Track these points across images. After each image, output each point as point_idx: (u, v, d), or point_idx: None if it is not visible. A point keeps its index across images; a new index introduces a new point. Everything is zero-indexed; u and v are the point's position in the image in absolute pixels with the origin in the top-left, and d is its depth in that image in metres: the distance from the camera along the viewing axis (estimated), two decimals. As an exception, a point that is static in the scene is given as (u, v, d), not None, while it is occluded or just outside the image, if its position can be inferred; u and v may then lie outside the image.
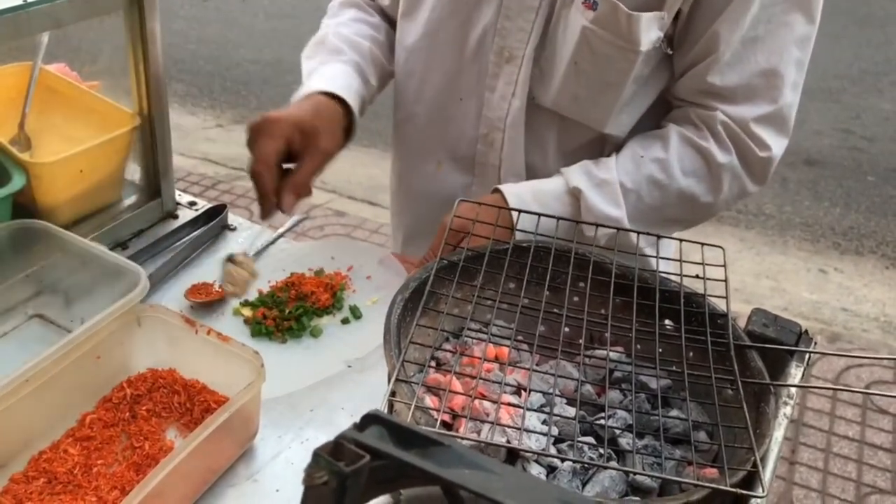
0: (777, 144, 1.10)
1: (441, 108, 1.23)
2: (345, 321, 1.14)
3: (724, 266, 0.91)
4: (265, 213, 1.09)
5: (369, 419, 0.44)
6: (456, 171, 1.26)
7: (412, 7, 1.20)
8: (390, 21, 1.33)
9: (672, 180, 1.08)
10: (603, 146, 1.16)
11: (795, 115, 1.10)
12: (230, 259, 1.17)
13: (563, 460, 0.75)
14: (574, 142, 1.15)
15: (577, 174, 1.08)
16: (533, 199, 1.07)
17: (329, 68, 1.20)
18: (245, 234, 1.35)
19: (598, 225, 0.99)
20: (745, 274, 3.34)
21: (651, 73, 1.08)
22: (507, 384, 0.83)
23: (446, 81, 1.20)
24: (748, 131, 1.07)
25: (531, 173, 1.18)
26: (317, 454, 0.40)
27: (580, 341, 0.85)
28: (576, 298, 0.92)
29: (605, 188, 1.07)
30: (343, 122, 1.14)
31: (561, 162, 1.15)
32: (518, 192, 1.07)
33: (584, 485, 0.74)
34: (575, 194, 1.07)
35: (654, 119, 1.15)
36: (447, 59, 1.19)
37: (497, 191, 1.10)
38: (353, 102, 1.15)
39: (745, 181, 1.11)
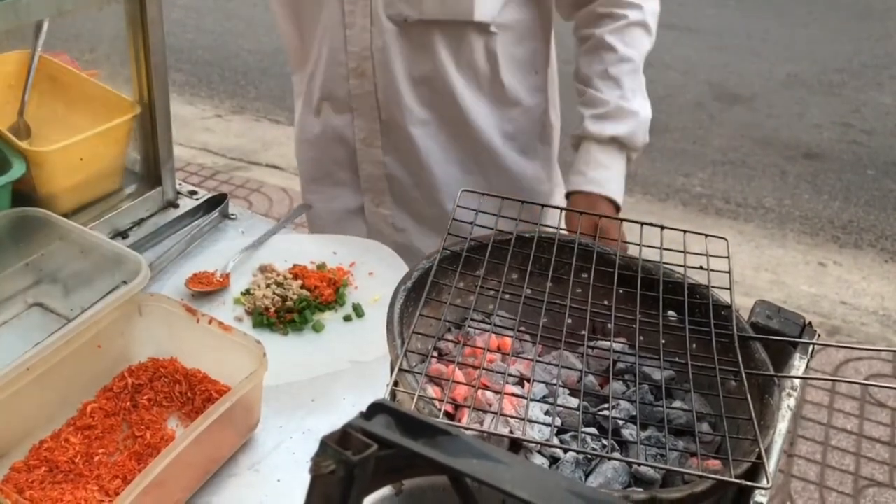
0: None
1: (307, 54, 1.34)
2: (347, 318, 1.14)
3: (728, 257, 0.91)
4: None
5: (376, 408, 0.43)
6: (335, 113, 1.36)
7: None
8: None
9: (636, 57, 1.29)
10: (479, 32, 1.27)
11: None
12: None
13: (566, 451, 0.75)
14: (455, 39, 1.26)
15: (593, 125, 1.28)
16: (596, 170, 1.27)
17: None
18: (245, 223, 1.34)
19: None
20: (744, 267, 3.34)
21: None
22: (509, 375, 0.83)
23: (309, 28, 1.31)
24: None
25: (424, 83, 1.28)
26: (324, 443, 0.39)
27: (583, 332, 0.85)
28: (579, 289, 0.92)
29: (619, 114, 1.28)
30: None
31: (452, 59, 1.27)
32: (592, 180, 1.27)
33: (587, 476, 0.74)
34: (612, 141, 1.28)
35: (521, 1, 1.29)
36: (306, 7, 1.29)
37: (575, 194, 1.29)
38: None
39: (652, 4, 1.32)
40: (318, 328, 1.11)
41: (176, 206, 1.36)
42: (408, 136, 1.31)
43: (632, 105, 1.28)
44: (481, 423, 0.77)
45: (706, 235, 0.94)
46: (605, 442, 0.76)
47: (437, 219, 1.37)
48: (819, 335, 0.88)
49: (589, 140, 1.29)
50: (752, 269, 3.38)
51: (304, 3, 1.28)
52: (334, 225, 1.45)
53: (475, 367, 0.82)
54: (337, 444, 0.39)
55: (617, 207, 1.28)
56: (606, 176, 1.27)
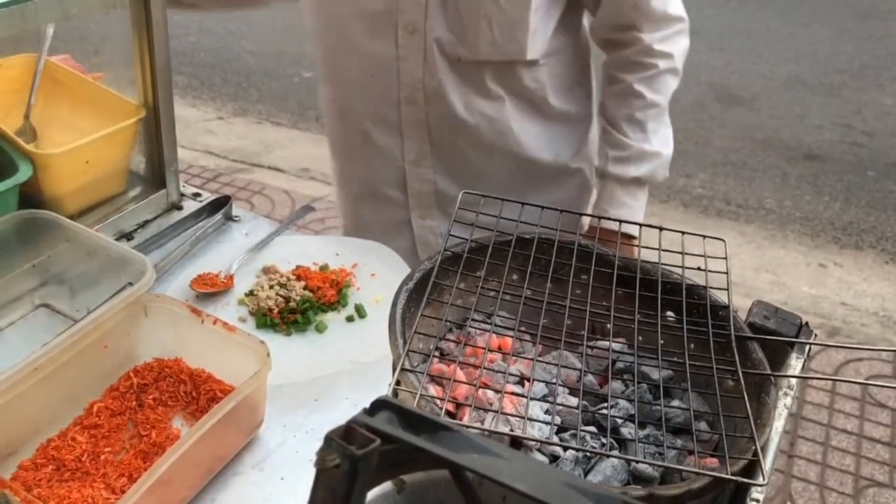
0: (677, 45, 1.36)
1: (358, 84, 1.36)
2: (349, 319, 1.15)
3: (726, 258, 0.92)
4: None
5: (379, 405, 0.45)
6: (385, 135, 1.38)
7: None
8: None
9: (663, 102, 1.34)
10: (528, 66, 1.32)
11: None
12: None
13: (565, 449, 0.76)
14: (505, 73, 1.31)
15: (617, 167, 1.35)
16: (621, 210, 1.33)
17: None
18: (249, 225, 1.35)
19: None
20: (744, 268, 3.34)
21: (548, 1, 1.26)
22: (510, 374, 0.84)
23: (357, 60, 1.33)
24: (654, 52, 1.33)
25: (475, 110, 1.32)
26: (329, 438, 0.40)
27: (583, 332, 0.86)
28: (578, 290, 0.93)
29: (641, 157, 1.34)
30: None
31: (502, 90, 1.32)
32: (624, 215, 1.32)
33: (586, 473, 0.75)
34: (638, 182, 1.34)
35: (564, 32, 1.34)
36: (354, 39, 1.31)
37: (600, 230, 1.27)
38: None
39: (682, 44, 1.36)
40: (320, 329, 1.12)
41: (180, 208, 1.37)
42: (459, 156, 1.37)
43: (653, 146, 1.33)
44: (482, 421, 0.78)
45: (704, 237, 0.95)
46: (604, 440, 0.77)
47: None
48: (816, 335, 0.89)
49: (612, 180, 1.36)
50: (752, 270, 3.39)
51: (356, 36, 1.31)
52: (380, 236, 1.45)
53: (476, 367, 0.83)
54: (341, 439, 0.41)
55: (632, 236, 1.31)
56: (627, 214, 1.35)
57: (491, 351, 0.86)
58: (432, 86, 1.29)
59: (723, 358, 0.83)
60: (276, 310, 1.12)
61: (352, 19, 1.29)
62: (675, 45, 1.34)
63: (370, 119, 1.38)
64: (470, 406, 0.77)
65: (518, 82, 1.31)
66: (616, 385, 0.86)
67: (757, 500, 0.71)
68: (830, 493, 2.31)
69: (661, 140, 1.35)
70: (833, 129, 4.68)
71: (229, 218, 1.36)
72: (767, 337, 0.87)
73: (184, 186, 1.40)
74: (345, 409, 1.01)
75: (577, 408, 0.79)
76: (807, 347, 0.88)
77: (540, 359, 0.86)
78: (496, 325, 0.87)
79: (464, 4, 1.22)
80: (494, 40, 1.24)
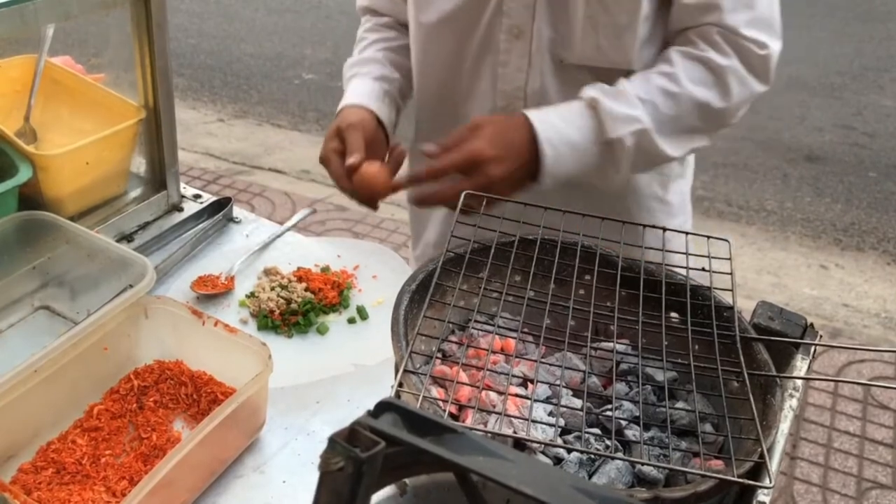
0: (773, 43, 1.16)
1: (452, 91, 1.28)
2: (351, 321, 1.14)
3: (730, 259, 0.92)
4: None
5: (383, 406, 0.44)
6: None
7: (423, 5, 1.24)
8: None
9: (682, 89, 1.12)
10: (628, 75, 1.20)
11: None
12: None
13: (569, 451, 0.76)
14: (607, 79, 1.18)
15: (590, 89, 1.14)
16: (555, 115, 1.12)
17: (349, 89, 1.27)
18: (250, 226, 1.35)
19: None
20: (746, 269, 3.34)
21: (658, 8, 1.16)
22: (513, 376, 0.83)
23: (458, 64, 1.25)
24: (742, 35, 1.13)
25: None
26: (333, 440, 0.40)
27: (586, 333, 0.86)
28: (581, 291, 0.92)
29: (620, 96, 1.12)
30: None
31: None
32: (541, 113, 1.12)
33: (590, 476, 0.75)
34: (592, 104, 1.11)
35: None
36: (457, 46, 1.24)
37: (523, 115, 1.13)
38: (374, 100, 1.24)
39: (751, 82, 1.16)
40: (322, 330, 1.12)
41: (180, 209, 1.36)
42: None
43: (639, 99, 1.11)
44: (485, 423, 0.78)
45: (708, 237, 0.95)
46: (608, 442, 0.76)
47: None
48: (821, 336, 0.89)
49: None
50: (754, 271, 3.38)
51: (452, 37, 1.25)
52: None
53: (479, 369, 0.82)
54: (345, 442, 0.40)
55: (534, 153, 1.09)
56: (554, 120, 1.10)
57: (494, 352, 0.86)
58: (534, 91, 1.22)
59: (728, 359, 0.82)
60: (277, 311, 1.12)
61: (457, 26, 1.22)
62: (765, 37, 1.13)
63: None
64: (473, 408, 0.77)
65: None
66: (620, 387, 0.85)
67: (763, 503, 0.70)
68: (833, 494, 2.31)
69: (650, 111, 1.11)
70: (834, 130, 4.68)
71: (230, 219, 1.36)
72: (773, 338, 0.86)
73: (184, 188, 1.40)
74: (347, 411, 1.00)
75: (580, 409, 0.78)
76: (812, 348, 0.87)
77: (543, 360, 0.85)
78: (499, 327, 0.87)
79: (571, 2, 1.14)
80: (599, 45, 1.17)
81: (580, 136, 1.10)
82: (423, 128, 1.38)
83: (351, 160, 1.11)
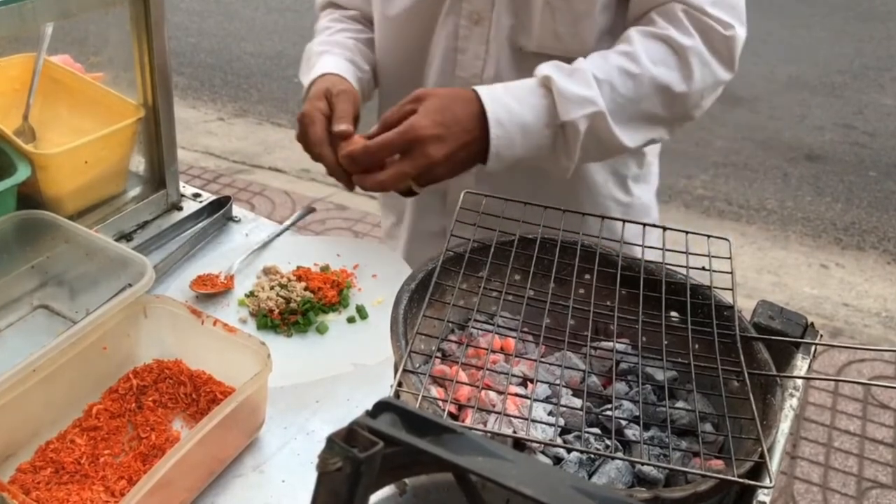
0: (738, 26, 1.11)
1: (414, 83, 1.25)
2: (350, 320, 1.14)
3: (731, 258, 0.91)
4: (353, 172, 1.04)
5: (382, 406, 0.44)
6: None
7: None
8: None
9: (642, 69, 1.07)
10: None
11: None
12: None
13: (569, 451, 0.76)
14: None
15: (545, 66, 1.09)
16: (505, 92, 1.06)
17: (322, 60, 1.22)
18: (249, 225, 1.35)
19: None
20: (746, 269, 3.34)
21: None
22: (513, 375, 0.83)
23: (420, 57, 1.24)
24: (707, 13, 1.08)
25: None
26: (331, 440, 0.40)
27: (586, 333, 0.85)
28: (581, 290, 0.92)
29: (575, 74, 1.06)
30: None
31: None
32: (491, 89, 1.07)
33: (590, 476, 0.74)
34: (546, 83, 1.07)
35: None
36: (421, 36, 1.22)
37: (473, 90, 1.07)
38: (351, 78, 1.19)
39: (715, 66, 1.11)
40: (321, 330, 1.11)
41: (180, 208, 1.36)
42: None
43: (595, 78, 1.05)
44: (485, 423, 0.78)
45: (708, 236, 0.95)
46: (608, 442, 0.76)
47: None
48: (821, 336, 0.89)
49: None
50: (754, 270, 3.38)
51: (415, 27, 1.23)
52: (412, 244, 1.40)
53: (478, 368, 0.82)
54: (344, 442, 0.40)
55: (480, 132, 1.04)
56: (505, 98, 1.05)
57: (493, 352, 0.86)
58: (490, 79, 1.19)
59: (728, 359, 0.82)
60: (276, 311, 1.12)
61: (402, 17, 1.22)
62: (730, 19, 1.08)
63: None
64: (472, 407, 0.77)
65: None
66: (620, 386, 0.85)
67: (763, 503, 0.70)
68: (833, 494, 2.30)
69: (607, 93, 1.05)
70: (834, 129, 4.67)
71: (230, 218, 1.36)
72: (773, 337, 0.86)
73: (184, 187, 1.40)
74: (346, 410, 1.00)
75: (580, 409, 0.78)
76: (812, 348, 0.87)
77: (543, 360, 0.85)
78: (498, 326, 0.87)
79: None
80: (557, 33, 1.14)
81: (532, 116, 1.05)
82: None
83: (342, 127, 1.05)
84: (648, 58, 1.07)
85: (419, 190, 1.06)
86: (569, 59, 1.11)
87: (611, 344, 0.88)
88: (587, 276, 0.91)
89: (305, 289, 1.15)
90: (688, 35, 1.08)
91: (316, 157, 1.08)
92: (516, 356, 0.87)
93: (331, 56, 1.24)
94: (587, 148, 1.07)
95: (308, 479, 0.90)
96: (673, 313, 0.89)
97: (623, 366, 0.87)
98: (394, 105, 1.22)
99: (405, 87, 1.27)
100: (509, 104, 1.05)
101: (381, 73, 1.32)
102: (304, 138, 1.08)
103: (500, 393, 0.79)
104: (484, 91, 1.05)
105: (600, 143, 1.08)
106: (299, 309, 1.12)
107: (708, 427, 0.81)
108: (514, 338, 0.86)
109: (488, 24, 1.16)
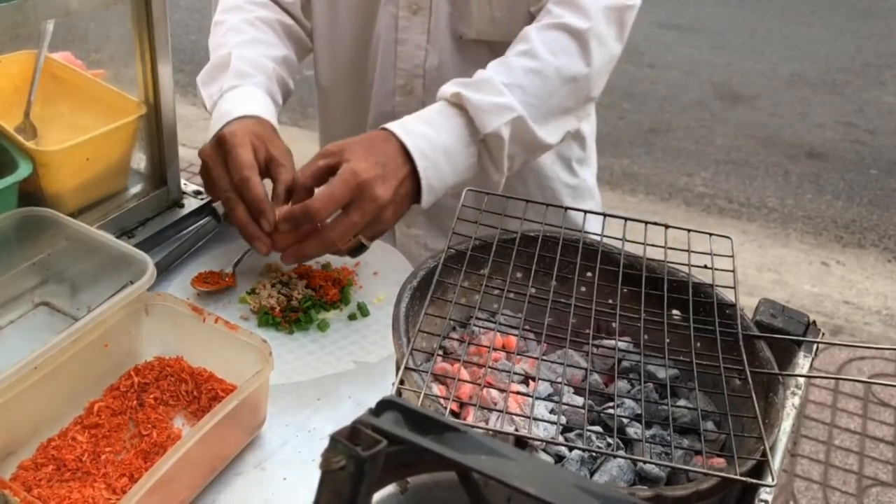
0: None
1: (357, 75, 1.26)
2: (352, 318, 1.14)
3: (733, 256, 0.91)
4: (263, 238, 1.06)
5: (385, 405, 0.44)
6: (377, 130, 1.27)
7: None
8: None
9: (544, 63, 1.07)
10: None
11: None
12: None
13: (571, 449, 0.76)
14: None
15: (449, 86, 1.08)
16: (417, 122, 1.05)
17: (241, 92, 1.20)
18: (250, 223, 1.34)
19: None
20: (747, 267, 3.34)
21: None
22: (515, 373, 0.83)
23: (363, 49, 1.24)
24: None
25: None
26: (334, 439, 0.40)
27: (588, 331, 0.85)
28: (583, 288, 0.92)
29: (483, 85, 1.06)
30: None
31: None
32: (402, 124, 1.06)
33: (592, 474, 0.74)
34: (456, 101, 1.06)
35: None
36: (362, 27, 1.23)
37: (383, 129, 1.07)
38: (273, 119, 1.19)
39: (612, 43, 1.12)
40: (323, 327, 1.11)
41: (181, 205, 1.36)
42: None
43: (504, 84, 1.05)
44: (486, 421, 0.78)
45: (710, 234, 0.95)
46: (610, 440, 0.76)
47: None
48: (823, 334, 0.89)
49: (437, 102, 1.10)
50: (755, 268, 3.38)
51: (356, 19, 1.24)
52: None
53: (480, 366, 0.82)
54: (347, 440, 0.40)
55: (410, 166, 1.03)
56: (419, 129, 1.03)
57: (495, 350, 0.86)
58: (433, 67, 1.20)
59: (730, 357, 0.82)
60: (277, 308, 1.12)
61: (342, 8, 1.23)
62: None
63: (366, 110, 1.29)
64: (474, 405, 0.77)
65: None
66: (622, 384, 0.85)
67: (765, 502, 0.70)
68: (834, 492, 2.31)
69: (518, 97, 1.05)
70: (835, 127, 4.67)
71: (230, 216, 1.35)
72: (775, 335, 0.86)
73: (185, 184, 1.40)
74: (347, 408, 1.00)
75: (582, 407, 0.78)
76: (814, 346, 0.87)
77: (545, 358, 0.85)
78: (500, 324, 0.87)
79: None
80: (494, 18, 1.15)
81: (452, 138, 1.04)
82: (328, 113, 1.37)
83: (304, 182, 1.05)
84: (548, 50, 1.07)
85: (368, 244, 1.05)
86: (507, 45, 1.11)
87: (613, 342, 0.88)
88: (589, 274, 0.91)
89: (307, 286, 1.15)
90: (584, 17, 1.08)
91: (230, 203, 1.07)
92: (518, 354, 0.87)
93: (253, 88, 1.21)
94: (513, 156, 1.07)
95: (309, 477, 0.90)
96: (675, 311, 0.89)
97: (625, 364, 0.87)
98: (338, 104, 1.24)
99: (350, 83, 1.29)
100: (425, 132, 1.03)
101: (326, 68, 1.32)
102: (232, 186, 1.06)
103: (501, 391, 0.79)
104: (396, 127, 1.04)
105: (525, 148, 1.08)
106: (301, 306, 1.12)
107: (710, 425, 0.81)
108: (516, 335, 0.86)
109: (428, 13, 1.16)
